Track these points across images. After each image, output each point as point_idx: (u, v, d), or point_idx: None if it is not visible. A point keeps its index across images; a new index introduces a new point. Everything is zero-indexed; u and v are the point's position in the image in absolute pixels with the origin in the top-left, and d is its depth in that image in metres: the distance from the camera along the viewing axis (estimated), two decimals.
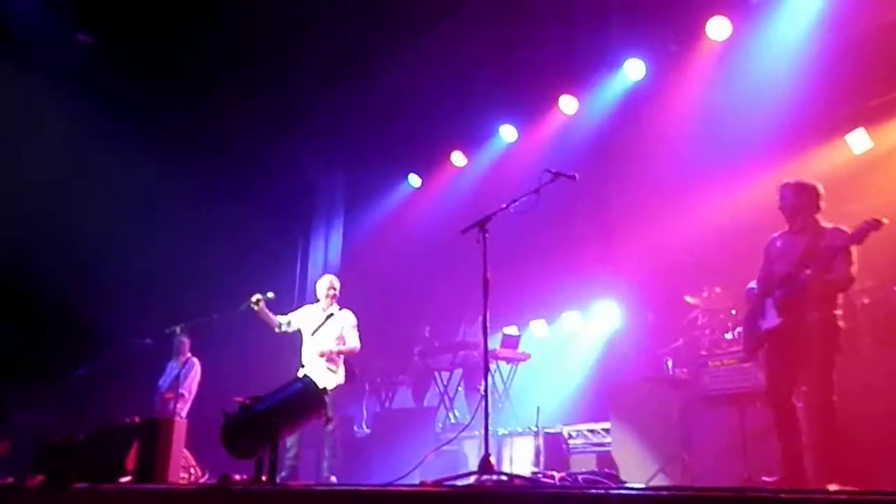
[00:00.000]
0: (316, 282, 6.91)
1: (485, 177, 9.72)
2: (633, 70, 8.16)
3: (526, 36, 8.15)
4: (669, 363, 6.74)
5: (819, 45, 6.92)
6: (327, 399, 5.27)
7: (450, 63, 8.60)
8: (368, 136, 10.13)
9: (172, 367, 7.88)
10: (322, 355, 6.36)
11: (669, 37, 7.94)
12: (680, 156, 7.71)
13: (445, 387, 8.54)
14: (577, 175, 4.78)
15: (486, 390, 4.45)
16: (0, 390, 8.08)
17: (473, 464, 6.00)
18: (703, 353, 6.15)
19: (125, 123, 8.72)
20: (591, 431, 6.93)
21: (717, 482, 5.17)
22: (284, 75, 9.10)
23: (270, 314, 6.44)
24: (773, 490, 4.14)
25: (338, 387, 6.31)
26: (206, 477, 6.91)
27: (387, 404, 9.40)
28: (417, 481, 4.39)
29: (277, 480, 4.85)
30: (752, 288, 4.99)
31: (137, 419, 6.07)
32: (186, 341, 7.86)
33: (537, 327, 9.24)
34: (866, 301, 5.44)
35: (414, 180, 10.64)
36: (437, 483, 3.99)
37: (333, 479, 6.21)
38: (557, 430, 6.80)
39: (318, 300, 6.67)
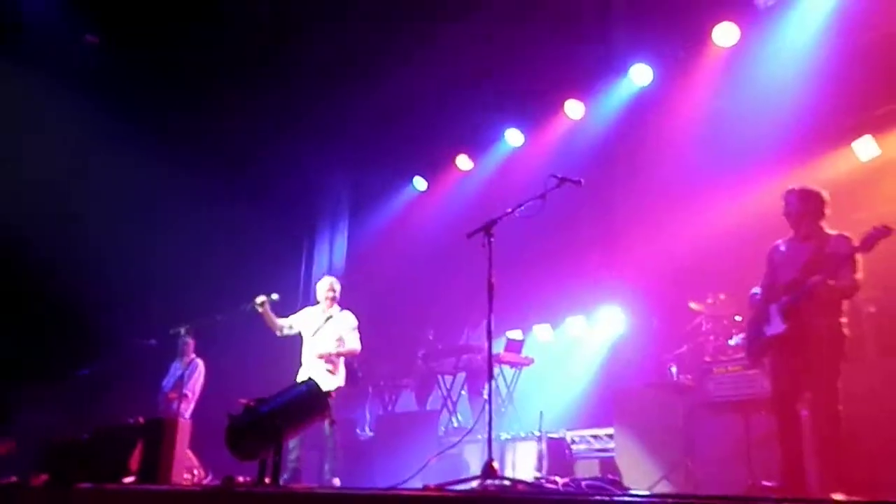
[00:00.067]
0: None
1: (490, 181, 9.72)
2: (640, 75, 8.16)
3: (533, 40, 8.15)
4: (674, 369, 6.71)
5: (826, 52, 6.90)
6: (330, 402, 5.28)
7: (456, 66, 8.61)
8: (374, 138, 10.15)
9: (176, 368, 7.90)
10: (321, 357, 6.38)
11: (676, 42, 7.94)
12: (686, 161, 7.70)
13: (449, 390, 8.54)
14: (582, 180, 4.78)
15: (489, 394, 4.45)
16: (3, 392, 8.11)
17: (474, 468, 6.01)
18: (708, 359, 6.13)
19: (130, 124, 8.75)
20: (595, 437, 6.92)
21: (721, 490, 5.16)
22: (290, 77, 9.12)
23: (274, 316, 6.46)
24: (777, 499, 4.13)
25: (338, 389, 6.31)
26: (210, 478, 6.93)
27: (390, 407, 9.39)
28: (420, 485, 4.39)
29: (280, 483, 4.85)
30: (756, 294, 4.98)
31: (141, 420, 6.08)
32: (190, 342, 7.87)
33: (541, 332, 9.23)
34: (872, 310, 5.43)
35: (419, 183, 10.65)
36: (440, 487, 3.98)
37: (336, 481, 6.21)
38: (561, 435, 6.79)
39: (318, 302, 6.69)
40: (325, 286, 6.69)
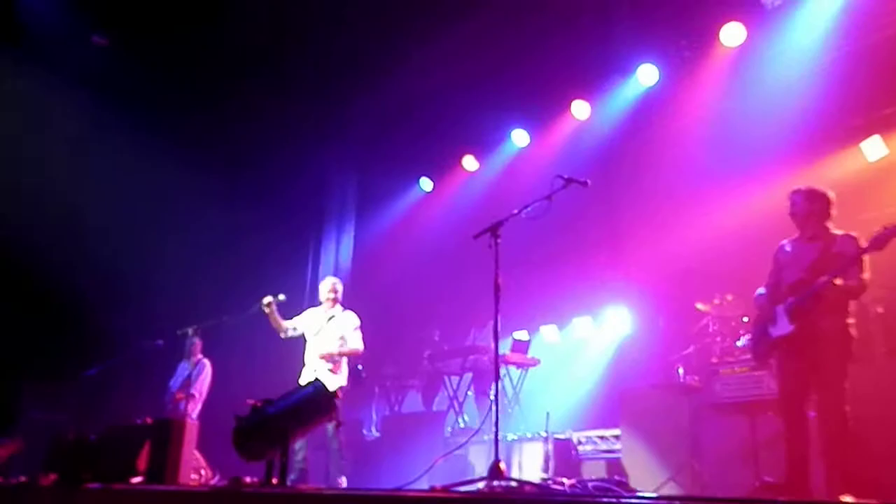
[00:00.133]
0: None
1: (496, 181, 9.72)
2: (646, 76, 8.15)
3: (539, 40, 8.15)
4: (680, 370, 6.70)
5: (834, 52, 6.89)
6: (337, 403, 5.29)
7: (462, 67, 8.61)
8: (380, 139, 10.17)
9: (184, 368, 7.93)
10: (323, 357, 6.41)
11: (683, 42, 7.92)
12: (693, 162, 7.69)
13: (455, 391, 8.54)
14: (589, 181, 4.78)
15: (495, 395, 4.45)
16: (11, 392, 8.15)
17: (480, 469, 6.01)
18: (715, 360, 6.12)
19: (138, 125, 8.78)
20: (601, 438, 6.91)
21: (728, 491, 5.15)
22: (297, 78, 9.14)
23: (280, 318, 6.50)
24: (783, 501, 4.12)
25: (340, 388, 6.32)
26: (217, 478, 6.95)
27: (396, 408, 9.40)
28: (427, 486, 4.40)
29: (288, 483, 4.87)
30: (761, 294, 4.97)
31: (149, 420, 6.11)
32: (198, 342, 7.91)
33: (548, 332, 9.22)
34: (880, 310, 5.41)
35: (425, 184, 10.66)
36: (447, 488, 3.99)
37: (343, 480, 6.22)
38: (567, 436, 6.79)
39: (321, 303, 6.72)
40: (328, 286, 6.74)
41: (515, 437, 6.98)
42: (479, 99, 8.97)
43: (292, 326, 6.60)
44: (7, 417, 8.00)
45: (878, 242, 4.34)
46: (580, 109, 8.74)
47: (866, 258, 4.47)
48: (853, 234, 4.59)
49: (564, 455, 6.53)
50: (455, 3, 7.91)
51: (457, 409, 8.43)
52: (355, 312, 6.68)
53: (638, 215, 8.39)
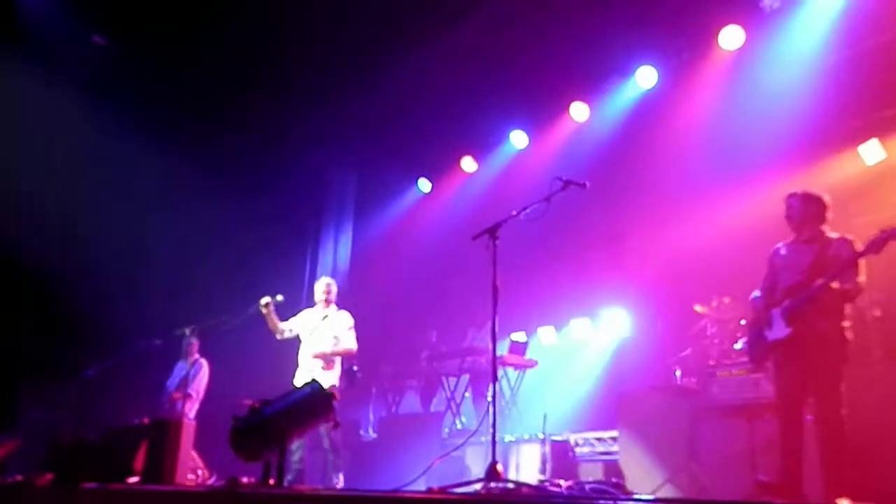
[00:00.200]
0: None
1: (495, 183, 9.73)
2: (645, 78, 8.16)
3: (538, 42, 8.16)
4: (678, 372, 6.72)
5: (832, 55, 6.90)
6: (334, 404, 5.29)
7: (462, 68, 8.62)
8: (379, 140, 10.17)
9: (181, 368, 7.92)
10: (316, 356, 6.43)
11: (682, 45, 7.94)
12: (691, 164, 7.70)
13: (452, 392, 8.54)
14: (587, 183, 4.79)
15: (493, 396, 4.46)
16: (9, 391, 8.14)
17: (478, 470, 6.01)
18: (712, 362, 6.13)
19: (137, 123, 8.77)
20: (599, 440, 6.91)
21: (725, 493, 5.15)
22: (296, 77, 9.13)
23: (277, 319, 6.51)
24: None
25: (332, 388, 6.33)
26: (214, 479, 6.94)
27: (393, 409, 9.40)
28: (424, 487, 4.40)
29: (285, 484, 4.87)
30: (757, 297, 4.98)
31: (146, 420, 6.11)
32: (195, 342, 7.90)
33: (545, 334, 9.23)
34: (877, 313, 5.42)
35: (424, 185, 10.66)
36: (444, 489, 3.99)
37: (340, 477, 6.24)
38: (564, 437, 6.79)
39: (316, 303, 6.74)
40: (322, 287, 6.79)
41: (513, 439, 6.98)
42: (478, 100, 8.98)
43: (289, 328, 6.62)
44: (5, 417, 7.99)
45: (875, 246, 4.35)
46: (579, 111, 8.75)
47: (862, 261, 4.48)
48: (849, 237, 4.60)
49: (561, 457, 6.53)
50: (455, 3, 7.91)
51: (454, 410, 8.44)
52: (350, 313, 6.70)
53: (636, 217, 8.41)
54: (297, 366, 6.57)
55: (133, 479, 5.55)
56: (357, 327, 6.65)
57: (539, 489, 4.55)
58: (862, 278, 4.49)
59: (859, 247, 4.48)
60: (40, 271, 8.50)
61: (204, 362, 7.94)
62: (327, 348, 6.46)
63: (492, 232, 4.69)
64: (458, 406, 8.47)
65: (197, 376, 7.80)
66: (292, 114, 9.58)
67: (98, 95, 8.71)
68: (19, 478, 6.10)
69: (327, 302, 6.70)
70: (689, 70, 7.91)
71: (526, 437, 6.92)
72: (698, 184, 7.56)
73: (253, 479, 4.83)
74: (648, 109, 8.30)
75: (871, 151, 6.77)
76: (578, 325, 8.97)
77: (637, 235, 8.33)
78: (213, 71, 8.87)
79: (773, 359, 4.80)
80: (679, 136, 7.89)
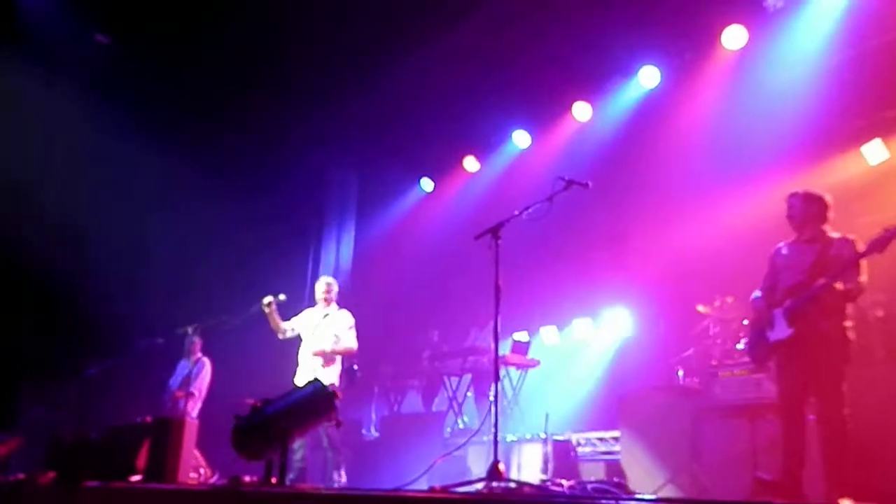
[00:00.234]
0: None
1: (497, 182, 9.73)
2: (648, 77, 8.15)
3: (540, 42, 8.15)
4: (680, 372, 6.71)
5: (836, 54, 6.89)
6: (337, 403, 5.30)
7: (464, 68, 8.61)
8: (381, 139, 10.17)
9: (183, 367, 7.94)
10: (316, 354, 6.45)
11: (685, 45, 7.93)
12: (694, 164, 7.69)
13: (454, 392, 8.54)
14: (590, 183, 4.79)
15: (495, 396, 4.46)
16: (11, 389, 8.16)
17: (480, 470, 6.01)
18: (714, 363, 6.12)
19: (139, 122, 8.78)
20: (601, 439, 6.91)
21: (727, 494, 5.15)
22: (299, 76, 9.14)
23: (279, 318, 6.53)
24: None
25: (331, 386, 6.34)
26: (216, 477, 6.95)
27: (395, 408, 9.40)
28: (426, 486, 4.40)
29: (287, 483, 4.87)
30: (758, 297, 4.97)
31: (149, 418, 6.11)
32: (198, 341, 7.92)
33: (548, 334, 9.23)
34: (880, 314, 5.40)
35: (426, 184, 10.66)
36: (446, 489, 3.99)
37: (341, 473, 6.26)
38: (566, 437, 6.79)
39: (316, 303, 6.77)
40: (323, 286, 6.82)
41: (515, 439, 6.98)
42: (481, 99, 8.97)
43: (290, 327, 6.64)
44: (6, 415, 8.00)
45: (878, 245, 4.35)
46: (582, 111, 8.75)
47: (863, 261, 4.47)
48: (850, 237, 4.60)
49: (563, 456, 6.52)
50: (457, 2, 7.91)
51: (456, 409, 8.44)
52: (352, 312, 6.72)
53: (639, 217, 8.40)
54: (297, 365, 6.58)
55: (135, 478, 5.55)
56: (359, 327, 6.66)
57: (541, 489, 4.55)
58: (863, 278, 4.49)
59: (861, 247, 4.47)
60: (41, 270, 8.51)
61: (206, 361, 7.96)
62: (327, 346, 6.48)
63: (494, 231, 4.69)
64: (460, 405, 8.47)
65: (199, 375, 7.81)
66: (294, 113, 9.59)
67: (98, 95, 8.72)
68: (21, 476, 6.11)
69: (328, 301, 6.72)
70: (692, 70, 7.90)
71: (528, 436, 6.91)
72: (701, 183, 7.55)
73: (255, 478, 4.83)
74: (651, 109, 8.29)
75: (875, 151, 6.76)
76: (581, 325, 8.97)
77: (640, 235, 8.32)
78: (213, 71, 8.88)
79: (775, 359, 4.79)
80: (682, 135, 7.88)
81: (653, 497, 5.09)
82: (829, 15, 6.93)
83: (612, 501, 2.99)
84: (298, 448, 6.16)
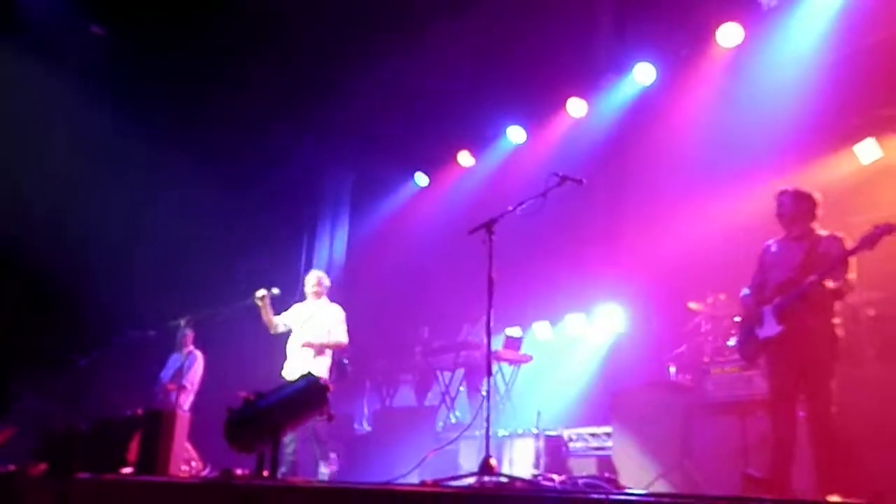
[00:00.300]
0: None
1: (492, 178, 9.72)
2: (643, 74, 8.15)
3: (536, 37, 8.15)
4: (672, 369, 6.73)
5: (830, 52, 6.90)
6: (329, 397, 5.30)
7: (459, 62, 8.60)
8: (376, 133, 10.15)
9: (175, 360, 7.92)
10: (305, 346, 6.46)
11: (680, 42, 7.93)
12: (688, 161, 7.70)
13: (447, 386, 8.55)
14: (584, 179, 4.80)
15: (487, 391, 4.46)
16: (4, 382, 8.13)
17: (471, 464, 6.02)
18: (706, 359, 6.14)
19: (133, 113, 8.75)
20: (592, 435, 6.93)
21: (718, 490, 5.17)
22: (293, 69, 9.11)
23: (272, 312, 6.52)
24: (773, 500, 4.14)
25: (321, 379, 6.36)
26: (208, 470, 6.94)
27: (388, 402, 9.41)
28: (417, 480, 4.41)
29: (279, 476, 4.87)
30: (747, 295, 4.99)
31: (140, 411, 6.10)
32: (190, 334, 7.90)
33: (540, 329, 9.23)
34: (871, 313, 5.43)
35: (421, 179, 10.65)
36: (438, 483, 4.00)
37: (326, 465, 6.27)
38: (558, 432, 6.81)
39: (306, 296, 6.78)
40: (313, 280, 6.83)
41: (507, 434, 6.99)
42: (476, 95, 8.97)
43: (282, 322, 6.64)
44: None
45: (868, 242, 4.37)
46: (576, 107, 8.73)
47: (852, 259, 4.49)
48: (839, 234, 4.62)
49: (555, 452, 6.54)
50: None
51: (448, 404, 8.45)
52: (344, 306, 6.72)
53: (633, 213, 8.41)
54: (285, 358, 6.59)
55: (126, 470, 5.54)
56: (352, 320, 6.66)
57: (532, 483, 4.56)
58: (852, 275, 4.51)
59: (849, 244, 4.50)
60: (34, 261, 8.48)
61: (198, 354, 7.94)
62: (316, 339, 6.48)
63: (488, 227, 4.70)
64: (452, 400, 8.48)
65: (191, 368, 7.79)
66: (289, 106, 9.56)
67: (92, 86, 8.68)
68: (12, 467, 6.08)
69: (318, 294, 6.74)
70: (687, 67, 7.89)
71: (520, 431, 6.93)
72: (695, 180, 7.56)
73: (247, 471, 4.82)
74: (646, 106, 8.29)
75: (868, 150, 6.77)
76: (574, 321, 8.98)
77: (633, 231, 8.33)
78: (207, 63, 8.85)
79: (764, 356, 4.82)
80: (676, 132, 7.88)
81: (644, 492, 5.11)
82: (824, 13, 6.93)
83: (603, 496, 3.00)
84: (290, 442, 6.15)
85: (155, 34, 8.60)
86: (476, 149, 9.95)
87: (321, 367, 6.44)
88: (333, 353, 6.69)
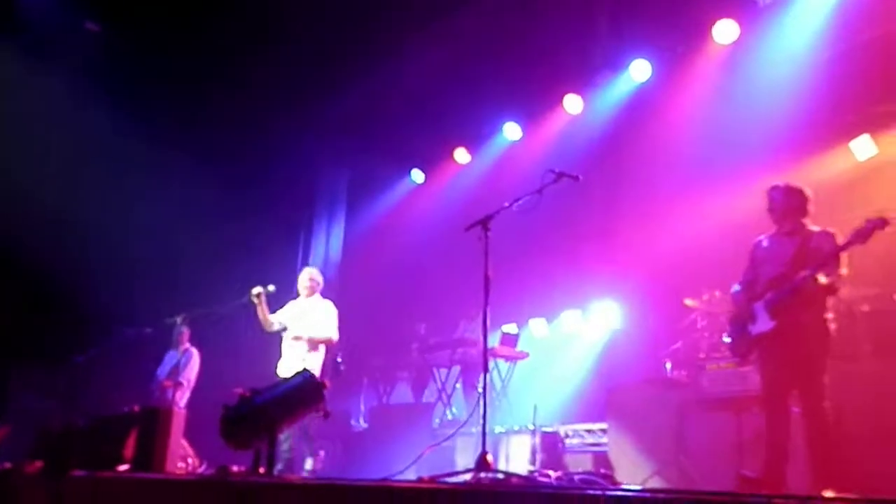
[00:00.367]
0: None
1: (488, 174, 9.72)
2: (639, 71, 8.16)
3: (532, 34, 8.14)
4: (668, 365, 6.74)
5: (826, 49, 6.91)
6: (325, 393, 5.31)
7: (455, 59, 8.59)
8: (372, 130, 10.14)
9: (171, 357, 7.92)
10: (296, 339, 6.50)
11: (676, 39, 7.93)
12: (683, 158, 7.71)
13: (444, 383, 8.56)
14: (580, 176, 4.80)
15: (484, 388, 4.47)
16: (1, 378, 8.12)
17: (468, 461, 6.03)
18: (702, 355, 6.15)
19: (129, 111, 8.73)
20: (588, 431, 6.94)
21: (714, 486, 5.18)
22: (289, 68, 9.09)
23: (268, 310, 6.53)
24: (767, 495, 4.15)
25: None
26: (204, 467, 6.94)
27: (385, 399, 9.41)
28: (414, 477, 4.41)
29: (275, 472, 4.88)
30: (738, 291, 5.00)
31: (137, 408, 6.10)
32: (186, 331, 7.91)
33: (537, 326, 9.25)
34: (866, 309, 5.44)
35: (417, 176, 10.65)
36: (434, 479, 4.00)
37: (312, 462, 6.30)
38: (554, 429, 6.82)
39: (299, 294, 6.81)
40: (306, 277, 6.87)
41: (503, 430, 7.00)
42: (472, 91, 8.96)
43: (277, 320, 6.65)
44: None
45: (861, 236, 4.37)
46: (572, 104, 8.74)
47: (844, 255, 4.50)
48: (831, 230, 4.63)
49: (551, 448, 6.55)
50: None
51: (445, 400, 8.45)
52: (338, 303, 6.74)
53: (629, 210, 8.42)
54: (279, 356, 6.60)
55: (123, 467, 5.54)
56: (349, 317, 6.67)
57: (528, 479, 4.58)
58: (844, 271, 4.51)
59: (841, 240, 4.50)
60: (31, 258, 8.46)
61: (194, 351, 7.94)
62: (305, 334, 6.50)
63: (484, 223, 4.70)
64: (449, 397, 8.49)
65: (188, 365, 7.80)
66: (285, 104, 9.54)
67: (89, 85, 8.66)
68: (8, 465, 6.08)
69: (311, 290, 6.76)
70: (683, 64, 7.90)
71: (516, 428, 6.94)
72: (691, 177, 7.57)
73: (243, 468, 4.83)
74: (642, 103, 8.29)
75: (863, 147, 6.78)
76: (570, 318, 8.98)
77: (629, 228, 8.33)
78: (203, 60, 8.83)
79: (757, 352, 4.82)
80: (672, 129, 7.89)
81: (640, 488, 5.12)
82: (820, 10, 6.94)
83: (599, 492, 3.00)
84: (285, 439, 6.16)
85: (152, 34, 8.59)
86: (472, 146, 9.95)
87: (314, 365, 6.44)
88: (326, 351, 6.70)
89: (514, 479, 4.41)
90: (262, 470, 4.62)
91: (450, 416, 8.29)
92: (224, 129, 9.44)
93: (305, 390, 4.93)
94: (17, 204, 8.37)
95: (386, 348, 9.53)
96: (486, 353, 4.65)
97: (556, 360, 8.83)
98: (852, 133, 6.84)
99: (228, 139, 9.57)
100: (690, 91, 7.79)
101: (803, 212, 4.77)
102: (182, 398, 7.58)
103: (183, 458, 6.64)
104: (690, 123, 7.71)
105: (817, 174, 6.47)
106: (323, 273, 7.15)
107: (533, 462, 6.40)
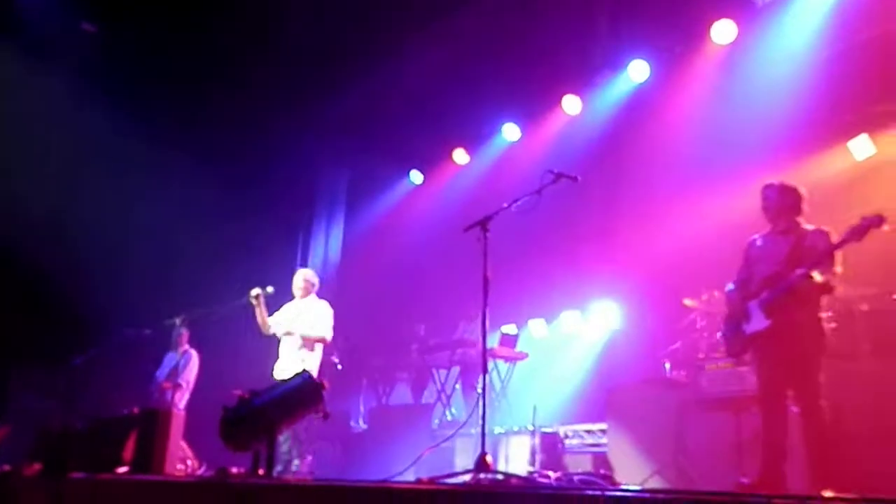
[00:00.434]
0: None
1: (486, 175, 9.72)
2: (638, 72, 8.16)
3: (530, 35, 8.14)
4: (667, 365, 6.74)
5: (824, 49, 6.91)
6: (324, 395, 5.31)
7: (455, 59, 8.59)
8: (371, 131, 10.14)
9: (171, 358, 7.92)
10: (288, 334, 6.54)
11: (674, 39, 7.93)
12: (682, 158, 7.71)
13: (443, 384, 8.56)
14: (578, 176, 4.80)
15: (483, 388, 4.47)
16: (0, 379, 8.12)
17: (467, 462, 6.03)
18: (701, 356, 6.16)
19: (128, 111, 8.72)
20: (588, 432, 6.94)
21: (713, 486, 5.18)
22: (288, 68, 9.09)
23: (266, 311, 6.53)
24: (767, 495, 4.15)
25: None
26: (203, 469, 6.94)
27: (384, 400, 9.41)
28: (413, 478, 4.41)
29: (274, 474, 4.87)
30: (732, 290, 5.00)
31: (136, 410, 6.09)
32: (185, 333, 7.90)
33: (536, 326, 9.25)
34: (865, 308, 5.44)
35: (416, 177, 10.65)
36: (433, 480, 4.00)
37: (297, 463, 6.31)
38: (554, 429, 6.81)
39: (294, 295, 6.83)
40: (299, 279, 6.89)
41: (502, 431, 7.00)
42: (471, 92, 8.96)
43: (274, 322, 6.66)
44: None
45: (856, 233, 4.37)
46: (571, 104, 8.74)
47: (838, 253, 4.50)
48: (825, 228, 4.63)
49: (551, 449, 6.55)
50: None
51: (444, 401, 8.45)
52: (333, 305, 6.74)
53: (627, 210, 8.42)
54: (276, 358, 6.61)
55: (122, 469, 5.54)
56: (349, 318, 6.68)
57: (528, 480, 4.58)
58: (838, 269, 4.51)
59: (835, 238, 4.50)
60: (30, 260, 8.45)
61: (193, 353, 7.94)
62: (299, 331, 6.53)
63: (483, 224, 4.70)
64: (448, 398, 8.49)
65: (187, 366, 7.79)
66: (284, 104, 9.54)
67: (88, 85, 8.66)
68: (7, 467, 6.07)
69: (305, 292, 6.79)
70: (681, 64, 7.90)
71: (515, 428, 6.94)
72: (689, 177, 7.57)
73: (242, 470, 4.83)
74: (640, 103, 8.29)
75: (862, 146, 6.79)
76: (569, 318, 8.98)
77: (628, 228, 8.34)
78: (202, 61, 8.83)
79: (752, 351, 4.82)
80: (671, 129, 7.89)
81: (639, 488, 5.12)
82: (818, 9, 6.95)
83: (599, 493, 3.00)
84: (284, 441, 6.17)
85: (152, 34, 8.59)
86: (471, 146, 9.95)
87: (312, 366, 6.44)
88: (323, 351, 6.71)
89: (513, 480, 4.41)
90: (261, 471, 4.61)
91: (449, 417, 8.29)
92: (224, 129, 9.44)
93: (304, 391, 4.93)
94: (17, 204, 8.37)
95: (385, 349, 9.53)
96: (486, 353, 4.65)
97: (556, 361, 8.83)
98: (851, 133, 6.84)
99: (228, 139, 9.56)
100: (689, 91, 7.80)
101: (798, 210, 4.78)
102: (181, 400, 7.58)
103: (182, 460, 6.64)
104: (689, 123, 7.71)
105: (816, 174, 6.47)
106: (322, 273, 7.17)
107: (532, 463, 6.40)
